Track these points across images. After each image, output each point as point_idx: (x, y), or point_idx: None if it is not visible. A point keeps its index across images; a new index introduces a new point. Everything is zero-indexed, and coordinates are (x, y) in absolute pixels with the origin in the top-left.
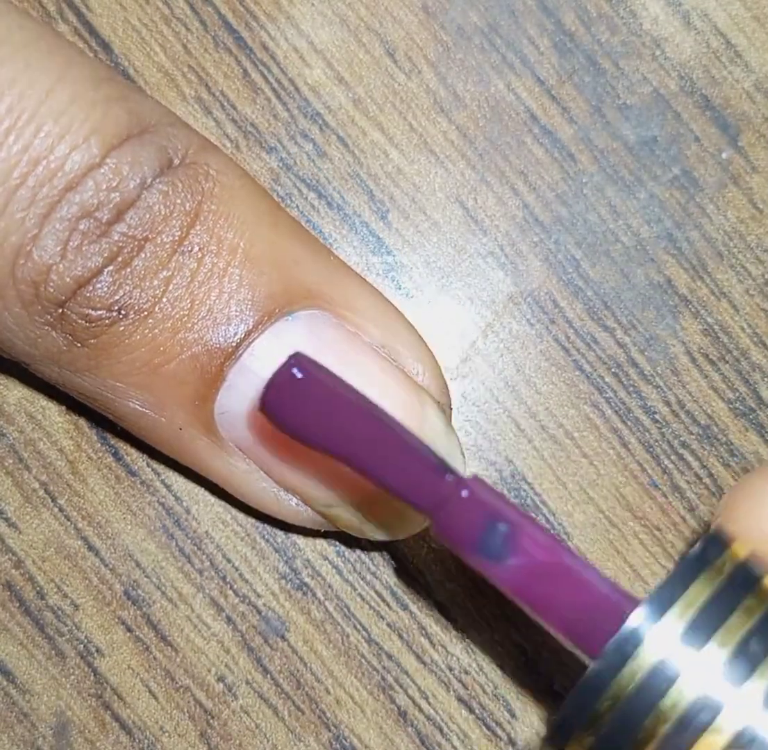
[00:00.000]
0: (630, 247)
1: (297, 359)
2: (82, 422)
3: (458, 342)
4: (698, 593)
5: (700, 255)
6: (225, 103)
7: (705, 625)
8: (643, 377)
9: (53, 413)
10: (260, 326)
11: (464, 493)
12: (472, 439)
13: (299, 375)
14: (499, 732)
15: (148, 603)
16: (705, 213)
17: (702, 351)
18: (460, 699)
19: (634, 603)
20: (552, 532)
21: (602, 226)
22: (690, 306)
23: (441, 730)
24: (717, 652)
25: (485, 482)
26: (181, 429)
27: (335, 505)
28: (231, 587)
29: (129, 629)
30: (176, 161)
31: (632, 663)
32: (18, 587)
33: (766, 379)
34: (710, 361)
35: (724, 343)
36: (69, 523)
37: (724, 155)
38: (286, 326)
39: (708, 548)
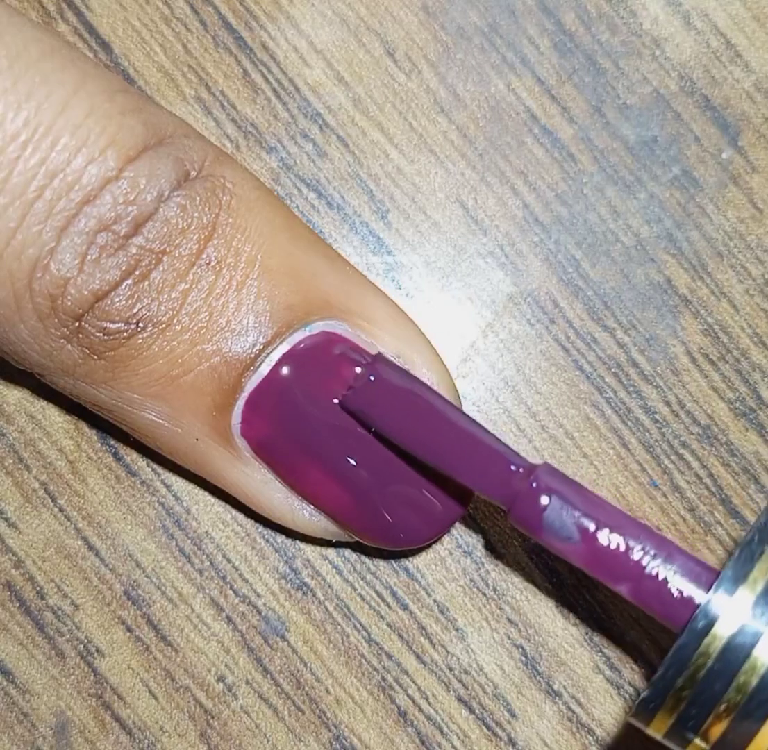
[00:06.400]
0: (630, 247)
1: (372, 365)
2: (82, 422)
3: (458, 342)
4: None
5: (700, 255)
6: (225, 103)
7: None
8: (643, 377)
9: (53, 413)
10: (278, 337)
11: (534, 484)
12: None
13: (372, 378)
14: (499, 732)
15: (148, 603)
16: (705, 213)
17: (702, 351)
18: (460, 699)
19: (715, 576)
20: (620, 509)
21: (602, 226)
22: (690, 306)
23: (441, 730)
24: None
25: (555, 469)
26: (197, 440)
27: None
28: (231, 587)
29: (129, 629)
30: (193, 173)
31: (709, 638)
32: (18, 587)
33: (766, 379)
34: (710, 361)
35: (724, 343)
36: (69, 523)
37: (724, 155)
38: (303, 337)
39: None
